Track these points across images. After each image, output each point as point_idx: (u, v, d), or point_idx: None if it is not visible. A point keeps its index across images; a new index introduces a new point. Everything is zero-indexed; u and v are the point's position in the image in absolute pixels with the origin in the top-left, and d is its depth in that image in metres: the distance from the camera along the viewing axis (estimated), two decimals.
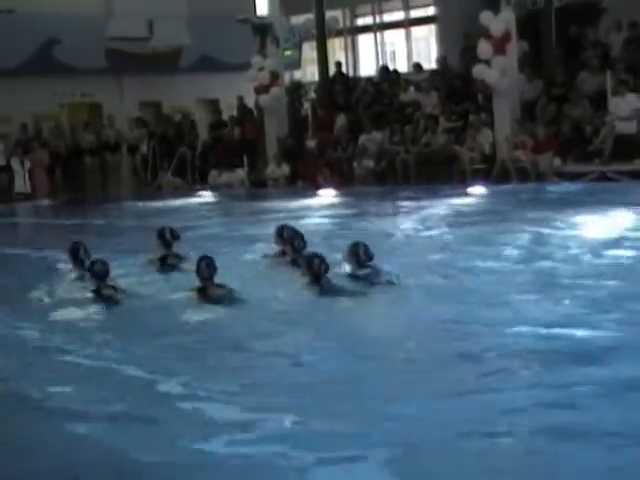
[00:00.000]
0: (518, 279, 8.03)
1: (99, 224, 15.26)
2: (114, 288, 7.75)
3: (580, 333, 6.05)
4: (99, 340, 6.75)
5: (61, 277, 9.15)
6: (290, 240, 8.73)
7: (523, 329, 6.24)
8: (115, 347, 6.52)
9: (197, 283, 7.70)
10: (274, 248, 9.15)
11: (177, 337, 6.74)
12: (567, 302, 6.95)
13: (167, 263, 8.90)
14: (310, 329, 6.77)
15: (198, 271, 7.63)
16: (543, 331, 6.12)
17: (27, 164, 21.13)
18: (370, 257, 7.82)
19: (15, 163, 21.12)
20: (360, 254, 7.83)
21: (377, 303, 7.55)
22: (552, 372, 5.28)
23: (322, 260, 7.67)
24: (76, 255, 8.78)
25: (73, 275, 8.85)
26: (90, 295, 7.77)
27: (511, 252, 9.49)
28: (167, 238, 8.98)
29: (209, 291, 7.56)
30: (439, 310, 7.08)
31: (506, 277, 8.19)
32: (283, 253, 8.92)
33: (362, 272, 7.85)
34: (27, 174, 21.25)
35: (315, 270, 7.61)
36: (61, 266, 9.57)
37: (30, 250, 11.83)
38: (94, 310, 7.59)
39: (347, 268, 7.97)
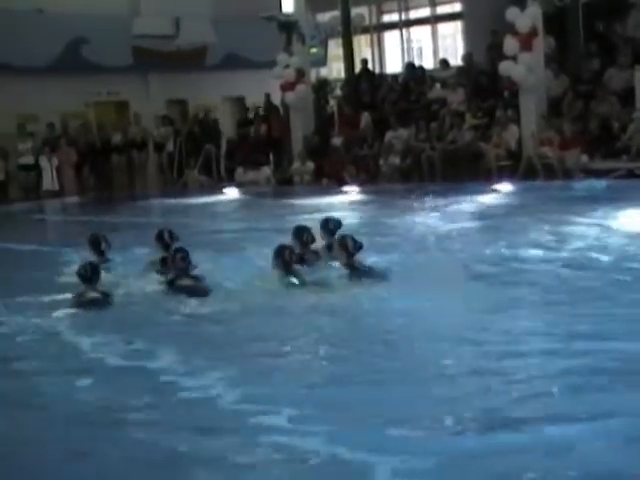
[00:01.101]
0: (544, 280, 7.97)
1: (124, 222, 15.31)
2: (102, 292, 7.68)
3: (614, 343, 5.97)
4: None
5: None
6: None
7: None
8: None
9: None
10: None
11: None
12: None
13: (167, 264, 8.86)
14: None
15: (173, 262, 7.94)
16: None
17: (55, 162, 21.25)
18: (359, 247, 8.01)
19: (43, 161, 21.24)
20: (349, 246, 7.99)
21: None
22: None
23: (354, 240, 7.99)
24: (97, 246, 9.06)
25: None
26: (73, 298, 7.67)
27: (536, 251, 9.43)
28: (166, 240, 8.99)
29: (181, 282, 7.81)
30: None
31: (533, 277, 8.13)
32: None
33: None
34: (55, 172, 21.37)
35: (349, 250, 7.85)
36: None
37: (53, 247, 11.95)
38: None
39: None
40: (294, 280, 7.81)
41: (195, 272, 8.13)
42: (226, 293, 7.99)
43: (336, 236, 8.50)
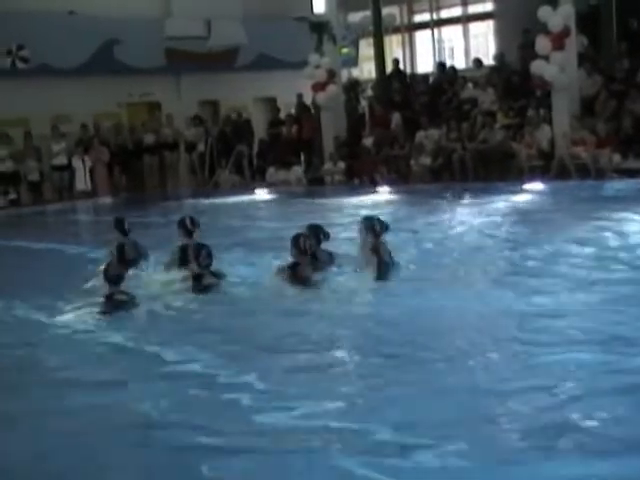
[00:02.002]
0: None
1: (155, 221, 15.35)
2: (126, 294, 7.70)
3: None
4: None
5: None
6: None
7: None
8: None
9: None
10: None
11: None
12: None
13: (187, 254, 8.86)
14: None
15: (197, 258, 8.05)
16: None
17: (87, 162, 21.40)
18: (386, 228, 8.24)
19: (76, 162, 21.39)
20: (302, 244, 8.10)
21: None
22: None
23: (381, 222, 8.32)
24: (122, 226, 9.47)
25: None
26: (101, 300, 7.69)
27: (569, 249, 9.35)
28: (188, 227, 9.04)
29: (205, 281, 7.99)
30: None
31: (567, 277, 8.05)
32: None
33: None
34: (87, 172, 21.51)
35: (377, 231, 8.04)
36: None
37: (83, 247, 12.02)
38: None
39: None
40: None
41: (216, 269, 8.26)
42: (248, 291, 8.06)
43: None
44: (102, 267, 7.88)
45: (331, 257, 8.64)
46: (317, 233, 8.56)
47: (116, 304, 7.50)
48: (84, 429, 4.96)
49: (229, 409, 5.08)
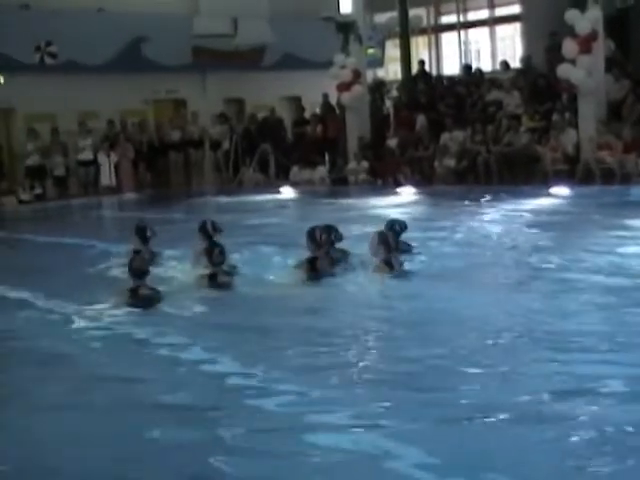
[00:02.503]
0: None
1: (179, 218, 15.40)
2: (151, 288, 7.75)
3: None
4: None
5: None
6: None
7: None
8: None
9: None
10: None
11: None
12: None
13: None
14: None
15: (210, 257, 8.16)
16: None
17: (113, 158, 21.50)
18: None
19: (101, 157, 21.50)
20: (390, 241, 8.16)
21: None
22: None
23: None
24: (143, 234, 9.37)
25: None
26: (127, 294, 7.72)
27: (593, 257, 9.26)
28: (209, 231, 9.06)
29: (219, 279, 8.12)
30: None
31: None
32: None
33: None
34: (113, 168, 21.61)
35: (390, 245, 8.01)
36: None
37: (110, 244, 12.07)
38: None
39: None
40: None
41: (232, 267, 8.43)
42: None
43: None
44: (127, 260, 7.97)
45: (345, 255, 8.70)
46: (330, 233, 8.59)
47: (141, 298, 7.55)
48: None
49: (248, 408, 5.08)
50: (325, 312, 7.32)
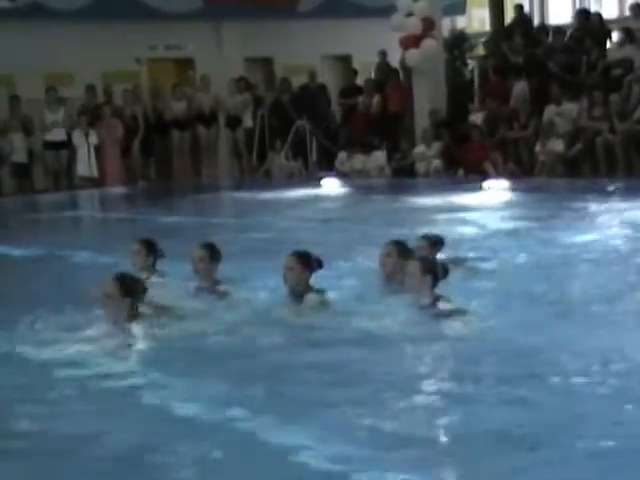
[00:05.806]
0: None
1: (185, 222, 15.43)
2: (152, 305, 8.47)
3: None
4: None
5: None
6: None
7: None
8: None
9: None
10: None
11: None
12: None
13: None
14: None
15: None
16: None
17: (94, 139, 21.53)
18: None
19: (78, 137, 21.54)
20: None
21: None
22: None
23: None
24: (152, 249, 9.69)
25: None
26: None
27: None
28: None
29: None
30: None
31: None
32: None
33: None
34: (93, 152, 21.66)
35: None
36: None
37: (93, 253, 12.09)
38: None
39: None
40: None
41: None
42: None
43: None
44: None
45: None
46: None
47: (140, 316, 8.19)
48: None
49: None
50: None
